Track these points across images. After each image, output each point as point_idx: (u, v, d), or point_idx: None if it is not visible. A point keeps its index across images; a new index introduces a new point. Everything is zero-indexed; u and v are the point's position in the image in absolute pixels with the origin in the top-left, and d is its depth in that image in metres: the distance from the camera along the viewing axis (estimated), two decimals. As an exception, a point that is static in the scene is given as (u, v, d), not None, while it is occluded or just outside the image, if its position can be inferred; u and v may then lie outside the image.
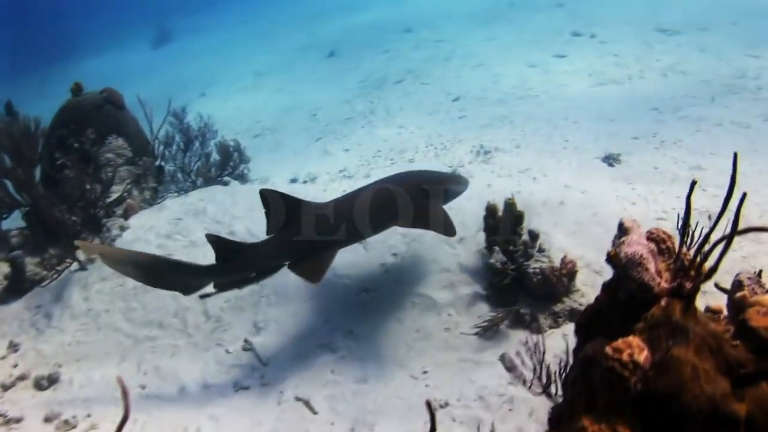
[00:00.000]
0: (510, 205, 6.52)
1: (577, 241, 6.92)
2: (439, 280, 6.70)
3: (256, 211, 8.39)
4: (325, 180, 9.93)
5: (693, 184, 2.77)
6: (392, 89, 14.51)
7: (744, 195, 2.55)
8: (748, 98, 10.67)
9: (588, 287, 6.28)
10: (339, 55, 19.21)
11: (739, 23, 15.01)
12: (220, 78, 20.73)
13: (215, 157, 10.59)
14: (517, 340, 5.89)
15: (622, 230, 2.97)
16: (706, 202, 7.25)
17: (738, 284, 3.17)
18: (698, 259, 2.79)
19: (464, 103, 12.38)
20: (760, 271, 3.44)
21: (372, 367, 5.96)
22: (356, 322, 6.47)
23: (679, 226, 3.21)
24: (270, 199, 5.74)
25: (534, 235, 6.48)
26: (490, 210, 6.60)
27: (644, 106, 10.74)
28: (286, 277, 6.39)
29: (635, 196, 7.66)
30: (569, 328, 5.86)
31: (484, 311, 6.26)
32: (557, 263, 6.18)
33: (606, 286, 3.08)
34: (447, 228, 5.75)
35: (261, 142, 13.16)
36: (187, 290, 6.11)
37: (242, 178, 10.63)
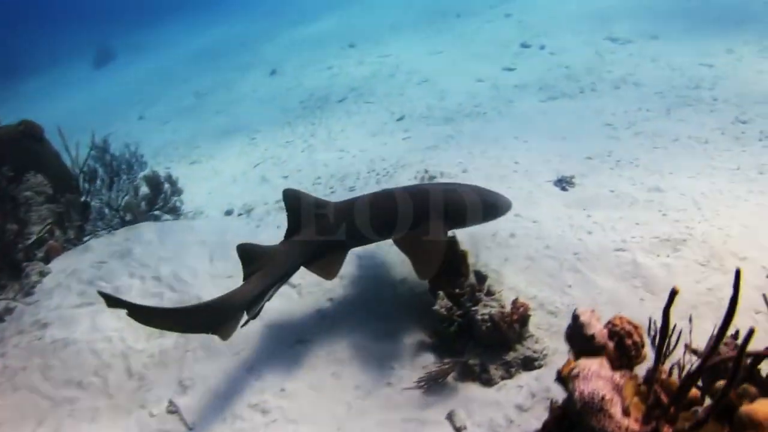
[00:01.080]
0: (452, 243, 5.95)
1: (530, 278, 6.50)
2: (380, 328, 6.21)
3: (184, 252, 7.91)
4: (260, 212, 9.24)
5: (673, 294, 2.12)
6: (334, 109, 13.90)
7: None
8: (704, 110, 10.35)
9: (542, 331, 5.83)
10: (281, 74, 18.55)
11: (690, 31, 14.73)
12: (159, 98, 19.91)
13: (144, 190, 9.82)
14: (466, 394, 5.39)
15: (577, 326, 2.33)
16: (668, 229, 6.86)
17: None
18: (681, 390, 2.11)
19: (409, 123, 11.82)
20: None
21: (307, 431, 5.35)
22: (289, 377, 5.91)
23: (654, 339, 2.52)
24: (292, 198, 5.93)
25: (481, 277, 6.02)
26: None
27: (597, 122, 10.30)
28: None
29: (591, 224, 7.22)
30: (523, 378, 5.43)
31: (429, 362, 5.75)
32: (508, 307, 5.69)
33: (555, 414, 2.40)
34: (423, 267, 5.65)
35: (197, 170, 12.44)
36: (227, 330, 5.54)
37: (175, 212, 9.91)
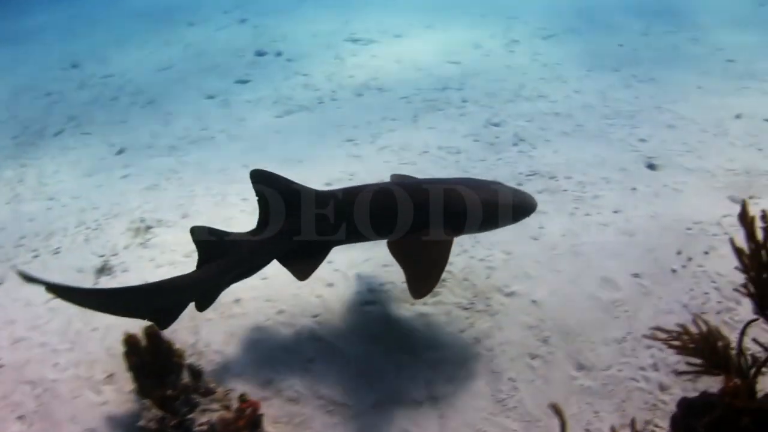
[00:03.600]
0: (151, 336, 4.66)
1: (261, 355, 5.40)
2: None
3: None
4: None
5: None
6: (50, 145, 11.80)
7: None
8: (454, 114, 9.70)
9: (283, 425, 4.80)
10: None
11: (435, 27, 13.98)
12: None
13: None
14: None
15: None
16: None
17: None
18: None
19: (130, 156, 10.11)
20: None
21: None
22: None
23: None
24: (267, 184, 4.93)
25: (196, 372, 4.77)
26: (130, 342, 4.78)
27: (338, 137, 9.30)
28: None
29: (332, 274, 6.20)
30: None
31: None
32: (233, 408, 4.56)
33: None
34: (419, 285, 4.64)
35: None
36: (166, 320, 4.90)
37: None
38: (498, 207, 4.99)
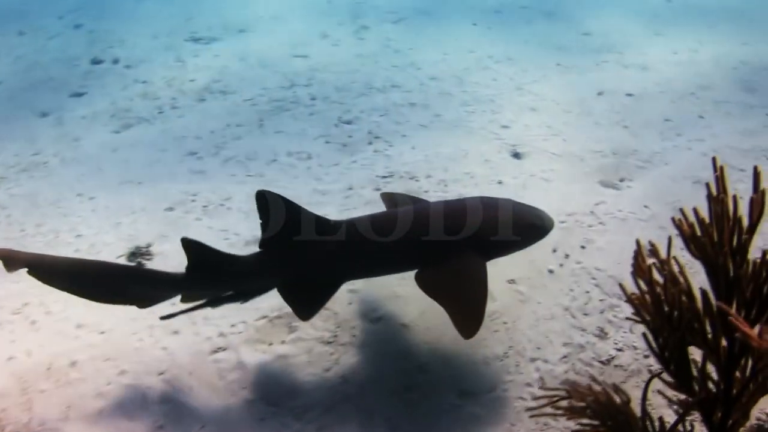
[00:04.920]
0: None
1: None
2: None
3: None
4: None
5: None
6: None
7: None
8: (303, 114, 9.05)
9: None
10: None
11: (279, 18, 13.16)
12: None
13: None
14: None
15: None
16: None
17: None
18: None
19: (-54, 194, 8.82)
20: None
21: None
22: None
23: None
24: (270, 202, 4.29)
25: None
26: None
27: (179, 151, 8.41)
28: None
29: (178, 319, 5.25)
30: None
31: None
32: None
33: None
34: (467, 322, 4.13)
35: None
36: (144, 303, 4.67)
37: None
38: (529, 226, 4.64)
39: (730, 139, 8.02)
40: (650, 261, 3.30)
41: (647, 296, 3.24)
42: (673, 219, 3.23)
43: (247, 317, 5.31)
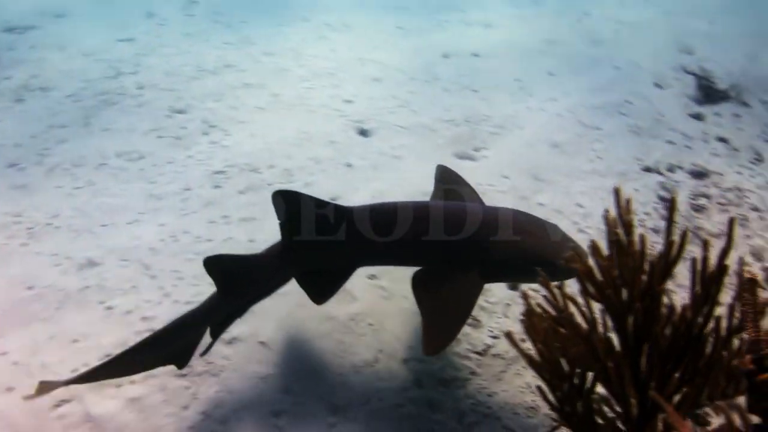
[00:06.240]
0: None
1: None
2: None
3: None
4: None
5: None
6: None
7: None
8: (131, 106, 8.29)
9: None
10: None
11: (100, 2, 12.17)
12: None
13: None
14: None
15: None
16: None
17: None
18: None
19: None
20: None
21: None
22: None
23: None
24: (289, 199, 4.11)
25: None
26: None
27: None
28: None
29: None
30: None
31: None
32: None
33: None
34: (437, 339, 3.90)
35: None
36: (184, 358, 4.37)
37: None
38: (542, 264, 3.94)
39: (582, 97, 7.99)
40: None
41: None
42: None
43: (88, 358, 4.68)
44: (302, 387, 4.48)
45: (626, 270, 2.69)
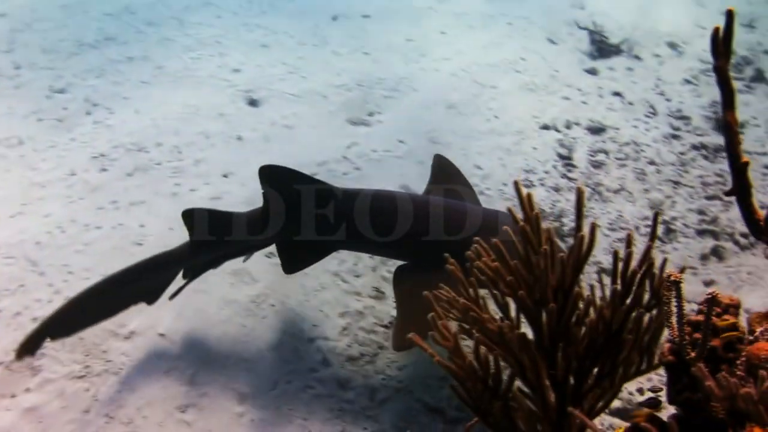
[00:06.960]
0: None
1: None
2: None
3: None
4: None
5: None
6: None
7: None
8: (7, 89, 7.65)
9: None
10: None
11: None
12: None
13: None
14: None
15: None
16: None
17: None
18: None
19: None
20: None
21: None
22: None
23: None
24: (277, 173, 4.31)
25: None
26: None
27: None
28: None
29: None
30: None
31: None
32: None
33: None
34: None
35: None
36: (154, 295, 4.52)
37: None
38: None
39: (476, 55, 7.95)
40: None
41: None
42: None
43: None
44: (207, 377, 4.37)
45: (537, 269, 2.60)
